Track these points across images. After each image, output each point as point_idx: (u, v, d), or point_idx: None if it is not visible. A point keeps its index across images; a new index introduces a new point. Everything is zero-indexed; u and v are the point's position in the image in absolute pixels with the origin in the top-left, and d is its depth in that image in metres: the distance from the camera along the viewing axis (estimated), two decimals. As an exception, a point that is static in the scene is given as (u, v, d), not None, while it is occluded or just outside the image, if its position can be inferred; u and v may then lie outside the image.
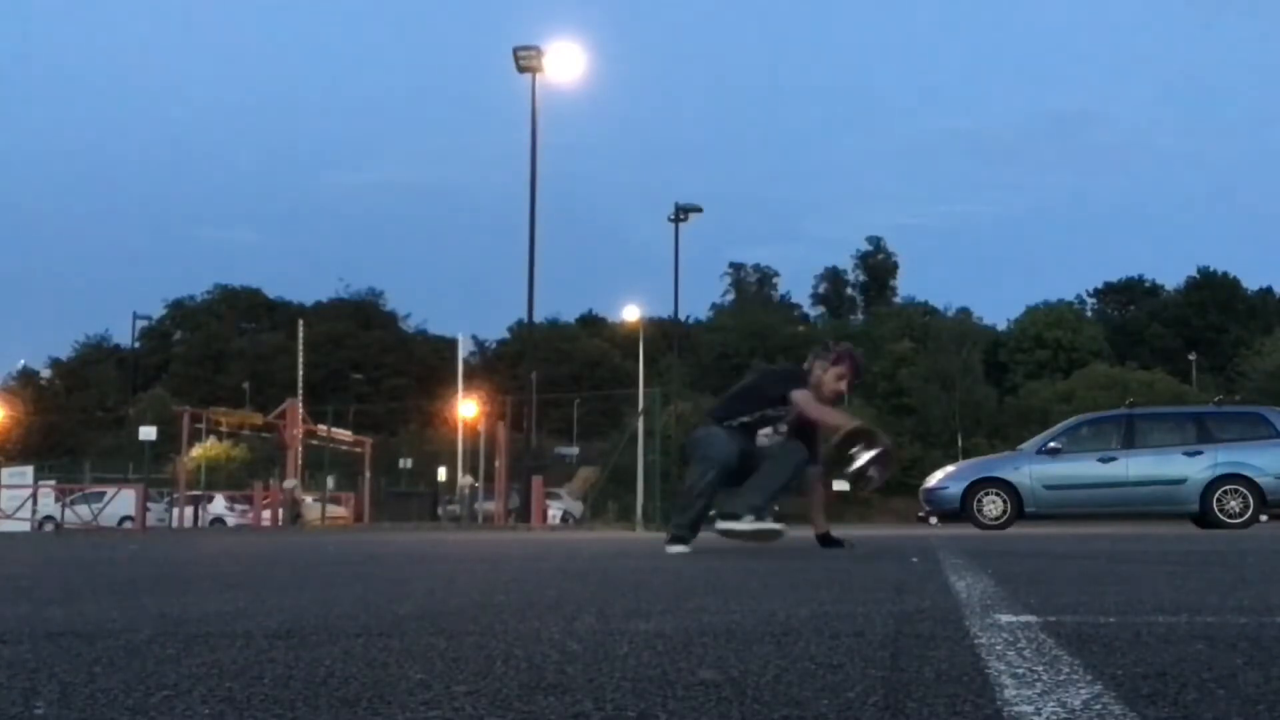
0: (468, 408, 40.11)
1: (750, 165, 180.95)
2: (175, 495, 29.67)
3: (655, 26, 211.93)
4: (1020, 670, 1.68)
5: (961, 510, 14.49)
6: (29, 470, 34.65)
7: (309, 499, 30.89)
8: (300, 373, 33.59)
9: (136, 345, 56.66)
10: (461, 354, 44.46)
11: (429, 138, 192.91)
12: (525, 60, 24.42)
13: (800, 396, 6.42)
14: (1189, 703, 1.44)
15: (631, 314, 48.96)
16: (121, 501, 29.63)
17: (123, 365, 76.38)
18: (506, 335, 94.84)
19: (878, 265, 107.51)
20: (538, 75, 24.55)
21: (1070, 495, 14.39)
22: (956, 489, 14.69)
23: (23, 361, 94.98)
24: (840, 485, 6.78)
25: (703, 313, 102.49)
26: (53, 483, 33.84)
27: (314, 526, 26.26)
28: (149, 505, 28.00)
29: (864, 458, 6.11)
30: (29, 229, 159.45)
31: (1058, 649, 1.90)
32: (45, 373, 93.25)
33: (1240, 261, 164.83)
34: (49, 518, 28.88)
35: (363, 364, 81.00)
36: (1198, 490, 14.01)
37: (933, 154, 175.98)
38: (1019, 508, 14.31)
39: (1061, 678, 1.62)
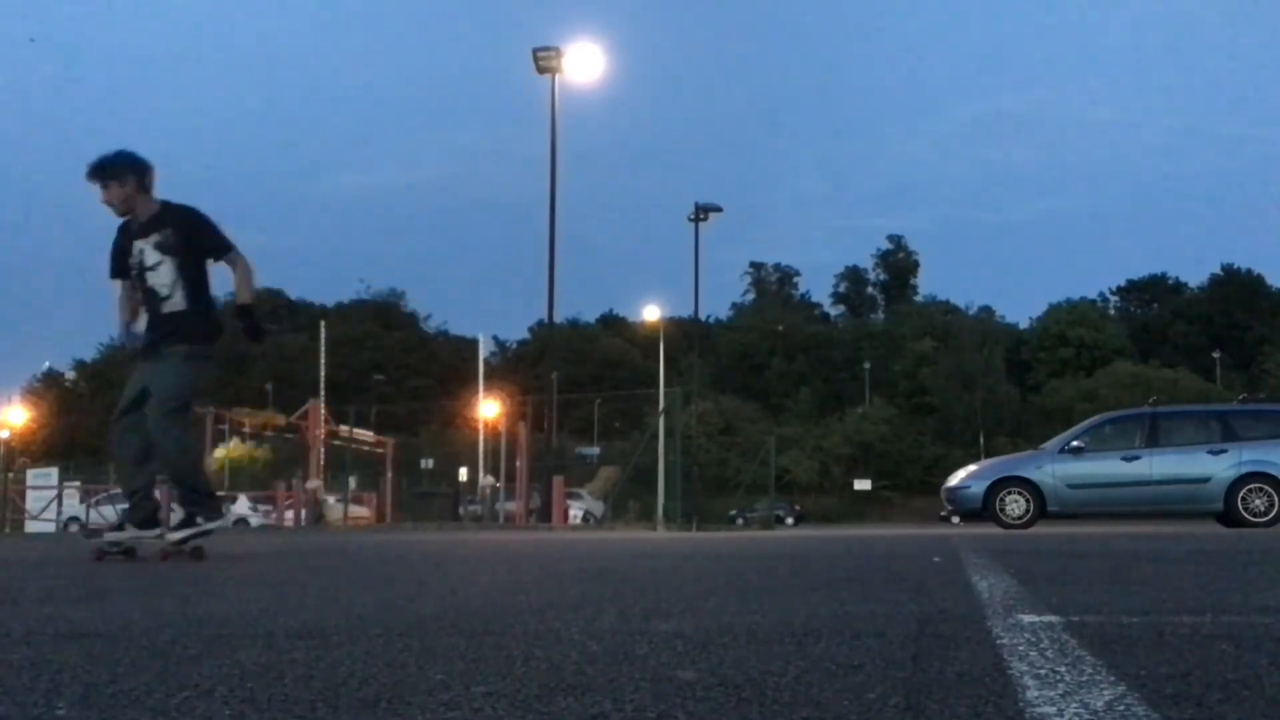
0: (489, 408, 40.16)
1: (771, 164, 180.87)
2: (199, 496, 29.71)
3: (676, 26, 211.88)
4: (1043, 671, 1.67)
5: (984, 509, 14.42)
6: (54, 472, 34.94)
7: (331, 499, 30.97)
8: (322, 373, 33.72)
9: (160, 346, 56.69)
10: (482, 354, 44.61)
11: (450, 138, 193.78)
12: (545, 61, 24.45)
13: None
14: (1213, 704, 1.43)
15: (652, 314, 49.16)
16: (146, 502, 29.77)
17: (146, 367, 76.62)
18: (527, 335, 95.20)
19: (898, 264, 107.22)
20: (557, 76, 24.59)
21: (1093, 494, 14.29)
22: (979, 488, 14.61)
23: (48, 363, 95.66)
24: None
25: (723, 312, 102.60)
26: (77, 484, 34.03)
27: (336, 527, 26.32)
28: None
29: None
30: (53, 231, 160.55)
31: (1080, 649, 1.89)
32: (70, 374, 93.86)
33: (1264, 258, 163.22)
34: (74, 519, 29.04)
35: (384, 364, 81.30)
36: (1222, 489, 13.88)
37: (955, 152, 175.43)
38: (1042, 507, 14.23)
39: (1084, 679, 1.61)
